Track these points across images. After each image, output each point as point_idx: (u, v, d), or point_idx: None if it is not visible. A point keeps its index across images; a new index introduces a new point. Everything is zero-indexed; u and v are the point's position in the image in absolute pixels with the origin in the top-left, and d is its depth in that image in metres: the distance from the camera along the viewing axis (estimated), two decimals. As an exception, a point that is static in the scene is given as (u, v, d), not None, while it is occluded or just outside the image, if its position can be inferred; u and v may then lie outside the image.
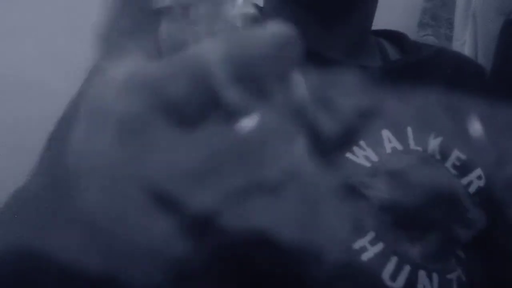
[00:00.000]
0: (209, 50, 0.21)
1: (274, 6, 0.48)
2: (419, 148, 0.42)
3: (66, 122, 0.43)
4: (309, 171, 0.39)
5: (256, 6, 0.52)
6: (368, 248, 0.36)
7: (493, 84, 0.51)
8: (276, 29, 0.21)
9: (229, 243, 0.39)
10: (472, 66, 0.54)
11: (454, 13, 1.09)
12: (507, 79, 0.87)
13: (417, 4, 1.17)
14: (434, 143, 0.42)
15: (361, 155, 0.39)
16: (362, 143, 0.40)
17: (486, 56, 0.98)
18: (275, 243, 0.37)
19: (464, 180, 0.42)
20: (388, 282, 0.36)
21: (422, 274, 0.37)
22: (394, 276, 0.36)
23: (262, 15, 0.51)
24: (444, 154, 0.42)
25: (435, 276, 0.37)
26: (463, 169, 0.42)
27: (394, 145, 0.41)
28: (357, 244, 0.36)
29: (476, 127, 0.43)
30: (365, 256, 0.36)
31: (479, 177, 0.42)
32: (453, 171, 0.42)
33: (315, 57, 0.44)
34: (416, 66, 0.47)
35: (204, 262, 0.41)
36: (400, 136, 0.41)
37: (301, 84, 0.46)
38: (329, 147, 0.40)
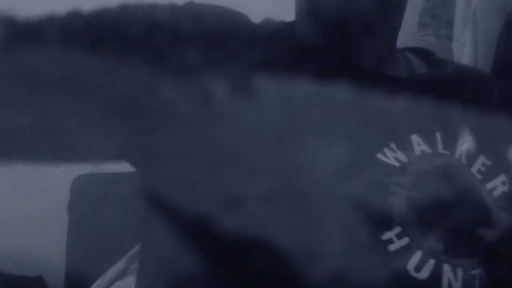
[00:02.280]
0: None
1: (304, 23, 0.50)
2: (447, 152, 0.44)
3: None
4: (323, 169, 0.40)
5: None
6: (394, 241, 0.39)
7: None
8: None
9: (230, 248, 0.40)
10: (491, 82, 0.59)
11: (454, 13, 1.09)
12: (507, 79, 0.87)
13: (417, 4, 1.16)
14: (461, 149, 0.45)
15: (391, 156, 0.42)
16: (392, 145, 0.43)
17: (486, 56, 0.98)
18: (276, 246, 0.38)
19: (489, 185, 0.44)
20: (413, 273, 0.38)
21: (447, 267, 0.39)
22: (418, 268, 0.38)
23: (294, 30, 0.53)
24: (470, 160, 0.45)
25: (459, 271, 0.39)
26: (488, 174, 0.44)
27: (423, 148, 0.44)
28: (385, 236, 0.39)
29: (495, 135, 0.48)
30: (392, 248, 0.38)
31: (503, 183, 0.44)
32: (478, 176, 0.44)
33: (347, 65, 0.46)
34: (441, 79, 0.51)
35: (202, 266, 0.41)
36: (429, 140, 0.44)
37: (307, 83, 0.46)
38: (361, 148, 0.42)
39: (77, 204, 1.12)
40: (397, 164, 0.42)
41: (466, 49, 1.03)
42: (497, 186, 0.44)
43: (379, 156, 0.42)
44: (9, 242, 1.08)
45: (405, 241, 0.39)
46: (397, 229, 0.39)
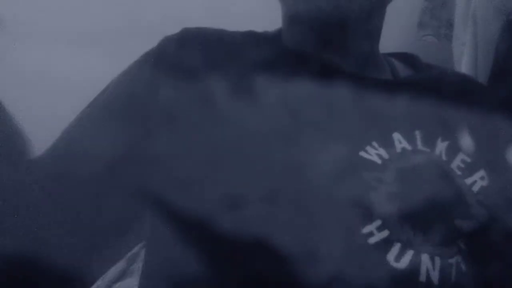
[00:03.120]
0: None
1: (289, 28, 0.52)
2: (427, 150, 0.46)
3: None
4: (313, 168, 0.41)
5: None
6: (374, 233, 0.40)
7: (491, 100, 0.56)
8: None
9: (230, 248, 0.40)
10: (474, 85, 0.61)
11: (454, 13, 1.09)
12: (507, 79, 0.87)
13: (417, 4, 1.16)
14: (441, 146, 0.47)
15: (374, 154, 0.44)
16: (374, 143, 0.44)
17: (486, 56, 0.98)
18: (275, 246, 0.38)
19: (468, 180, 0.45)
20: (393, 263, 0.40)
21: (425, 257, 0.40)
22: (398, 258, 0.40)
23: (281, 35, 0.54)
24: (450, 156, 0.46)
25: (437, 259, 0.41)
26: (468, 170, 0.46)
27: (403, 145, 0.45)
28: (365, 229, 0.40)
29: (476, 135, 0.49)
30: (372, 240, 0.40)
31: (482, 178, 0.46)
32: (458, 172, 0.46)
33: (332, 69, 0.48)
34: (424, 81, 0.53)
35: (202, 267, 0.41)
36: (410, 138, 0.46)
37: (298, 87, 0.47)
38: (345, 147, 0.44)
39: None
40: (379, 161, 0.43)
41: (466, 49, 1.03)
42: (476, 181, 0.46)
43: (362, 153, 0.43)
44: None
45: (385, 233, 0.40)
46: (378, 222, 0.40)
